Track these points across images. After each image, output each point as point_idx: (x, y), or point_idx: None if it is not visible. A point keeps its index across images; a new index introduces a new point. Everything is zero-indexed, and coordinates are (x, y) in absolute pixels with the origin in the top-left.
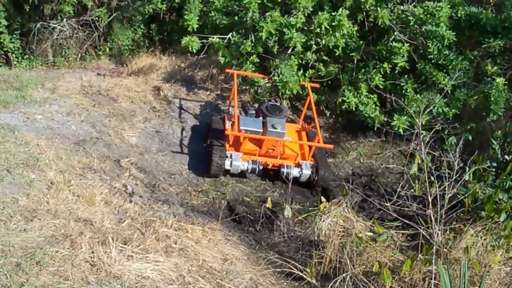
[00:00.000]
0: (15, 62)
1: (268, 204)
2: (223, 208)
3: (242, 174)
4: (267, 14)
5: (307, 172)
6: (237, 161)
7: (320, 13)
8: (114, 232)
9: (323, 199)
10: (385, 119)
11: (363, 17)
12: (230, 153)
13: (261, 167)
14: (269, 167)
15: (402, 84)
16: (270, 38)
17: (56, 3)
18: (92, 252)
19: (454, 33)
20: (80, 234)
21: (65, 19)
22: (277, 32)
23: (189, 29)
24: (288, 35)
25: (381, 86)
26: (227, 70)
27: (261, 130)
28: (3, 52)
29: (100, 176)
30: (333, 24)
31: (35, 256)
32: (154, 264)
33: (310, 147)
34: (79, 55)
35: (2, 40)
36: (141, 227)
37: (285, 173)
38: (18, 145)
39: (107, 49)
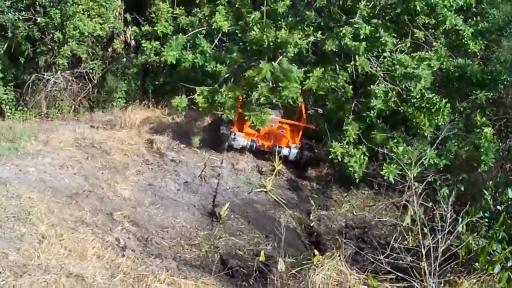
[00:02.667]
0: (8, 114)
1: (261, 258)
2: (216, 262)
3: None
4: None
5: (294, 151)
6: (239, 138)
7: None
8: None
9: (316, 252)
10: (374, 171)
11: (352, 67)
12: (234, 132)
13: (258, 145)
14: (265, 147)
15: (393, 136)
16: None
17: (51, 55)
18: None
19: (437, 84)
20: None
21: (59, 71)
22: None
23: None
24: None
25: (361, 138)
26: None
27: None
28: None
29: (92, 229)
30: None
31: None
32: None
33: (298, 132)
34: (73, 107)
35: None
36: (134, 282)
37: (276, 151)
38: (10, 198)
39: (101, 101)
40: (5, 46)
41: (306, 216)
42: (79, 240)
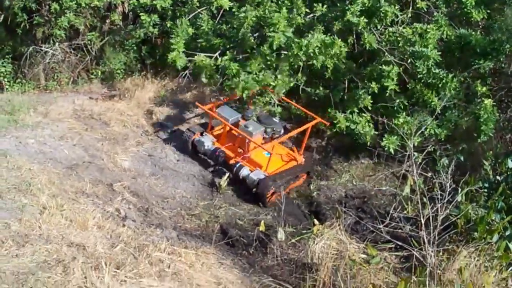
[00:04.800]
0: (7, 86)
1: (261, 227)
2: (216, 232)
3: None
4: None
5: (253, 177)
6: (204, 139)
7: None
8: (107, 257)
9: (316, 221)
10: (377, 139)
11: (353, 40)
12: (205, 134)
13: (220, 155)
14: (229, 161)
15: (393, 106)
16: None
17: (48, 27)
18: (85, 277)
19: (439, 53)
20: (73, 259)
21: (57, 43)
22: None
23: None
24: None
25: (370, 108)
26: (197, 104)
27: (230, 119)
28: None
29: (93, 200)
30: (326, 41)
31: (27, 282)
32: None
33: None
34: (71, 79)
35: None
36: (134, 252)
37: (235, 169)
38: (10, 169)
39: (99, 72)
40: (1, 18)
41: (306, 186)
42: (80, 210)
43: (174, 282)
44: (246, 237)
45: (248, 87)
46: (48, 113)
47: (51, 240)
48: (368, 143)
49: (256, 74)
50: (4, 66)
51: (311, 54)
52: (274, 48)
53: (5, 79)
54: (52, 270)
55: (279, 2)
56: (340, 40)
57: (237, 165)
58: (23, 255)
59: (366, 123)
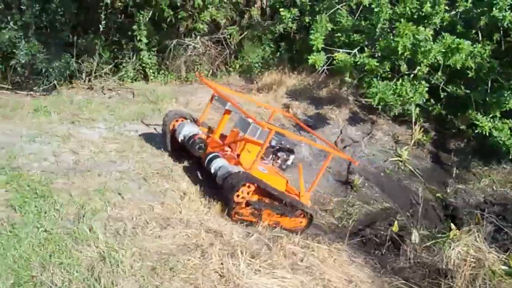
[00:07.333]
0: (151, 77)
1: (394, 228)
2: (349, 229)
3: None
4: (397, 24)
5: (222, 173)
6: (186, 125)
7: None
8: (242, 246)
9: (452, 226)
10: None
11: (499, 37)
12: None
13: (196, 142)
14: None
15: None
16: (403, 55)
17: (191, 21)
18: (222, 264)
19: None
20: (210, 245)
21: (198, 37)
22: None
23: (313, 48)
24: (423, 47)
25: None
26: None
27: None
28: (141, 68)
29: None
30: (452, 46)
31: (169, 262)
32: (281, 280)
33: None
34: (211, 71)
35: (141, 57)
36: (269, 242)
37: (206, 162)
38: (154, 155)
39: (237, 66)
40: (150, 14)
41: (443, 188)
42: (218, 198)
43: (307, 276)
44: (378, 236)
45: (386, 100)
46: (188, 103)
47: (190, 225)
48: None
49: (395, 85)
50: (150, 58)
51: (434, 59)
52: (399, 52)
53: (150, 70)
54: (191, 253)
55: None
56: (484, 39)
57: (211, 155)
58: (165, 237)
59: (509, 131)
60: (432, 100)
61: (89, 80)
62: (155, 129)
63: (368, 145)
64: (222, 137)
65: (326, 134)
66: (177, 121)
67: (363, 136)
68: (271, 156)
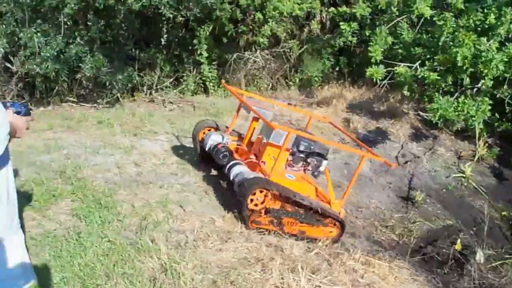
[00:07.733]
0: (211, 90)
1: (458, 246)
2: (411, 246)
3: None
4: (456, 34)
5: (238, 180)
6: (212, 134)
7: None
8: (302, 261)
9: None
10: None
11: None
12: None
13: (220, 150)
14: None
15: None
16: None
17: (251, 35)
18: (282, 278)
19: None
20: (271, 259)
21: (258, 51)
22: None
23: (372, 61)
24: (484, 57)
25: None
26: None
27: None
28: (201, 81)
29: None
30: None
31: (230, 275)
32: None
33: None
34: (270, 85)
35: (202, 70)
36: (329, 258)
37: (226, 170)
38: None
39: (297, 80)
40: (210, 28)
41: (509, 207)
42: None
43: None
44: (441, 254)
45: (446, 117)
46: (248, 117)
47: (251, 239)
48: None
49: (457, 102)
50: (211, 72)
51: (496, 70)
52: (459, 63)
53: (211, 84)
54: (252, 267)
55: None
56: None
57: (231, 163)
58: (226, 250)
59: None
60: (496, 115)
61: (151, 93)
62: None
63: (430, 160)
64: (250, 144)
65: (386, 149)
66: (204, 132)
67: (424, 152)
68: (301, 163)
